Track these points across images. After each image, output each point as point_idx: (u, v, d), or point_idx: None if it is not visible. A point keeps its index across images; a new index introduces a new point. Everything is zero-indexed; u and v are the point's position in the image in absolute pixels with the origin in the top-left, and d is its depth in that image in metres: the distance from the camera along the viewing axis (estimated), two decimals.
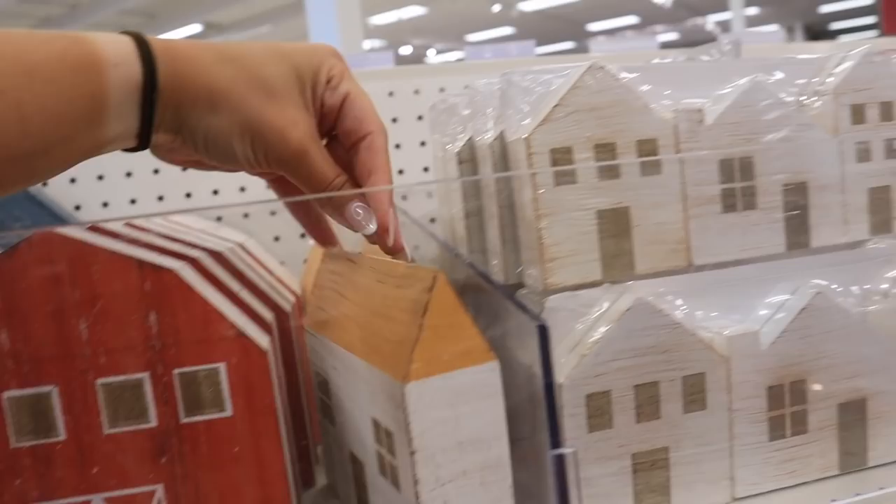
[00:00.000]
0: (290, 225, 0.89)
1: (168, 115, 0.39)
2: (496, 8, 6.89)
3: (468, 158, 0.56)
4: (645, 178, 0.50)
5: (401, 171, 0.92)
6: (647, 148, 0.50)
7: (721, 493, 0.49)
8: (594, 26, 9.82)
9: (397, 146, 0.93)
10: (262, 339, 0.45)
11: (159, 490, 0.44)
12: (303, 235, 0.89)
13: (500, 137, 0.52)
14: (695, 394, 0.47)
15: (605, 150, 0.49)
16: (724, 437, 0.48)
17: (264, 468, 0.45)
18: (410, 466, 0.40)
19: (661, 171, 0.50)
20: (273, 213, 0.89)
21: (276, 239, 0.90)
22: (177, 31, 6.02)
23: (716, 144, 0.51)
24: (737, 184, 0.51)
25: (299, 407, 0.59)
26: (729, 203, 0.51)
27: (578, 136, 0.49)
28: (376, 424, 0.44)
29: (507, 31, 9.06)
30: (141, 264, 0.42)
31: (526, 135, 0.48)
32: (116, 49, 0.37)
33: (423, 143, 0.95)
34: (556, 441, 0.40)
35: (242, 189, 0.92)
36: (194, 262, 0.48)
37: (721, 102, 0.51)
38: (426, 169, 0.92)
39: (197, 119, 0.39)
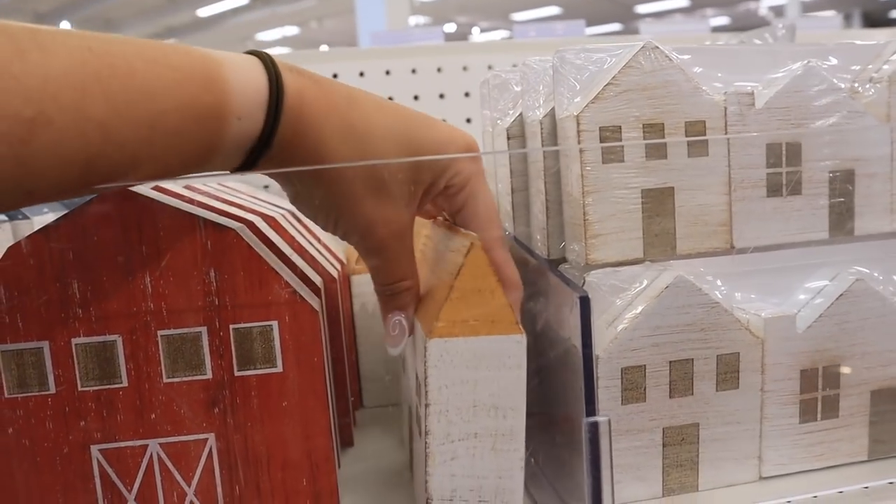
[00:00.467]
0: None
1: (271, 164, 0.39)
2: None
3: (518, 134, 0.57)
4: (691, 159, 0.50)
5: None
6: (695, 129, 0.50)
7: (748, 471, 0.50)
8: (642, 8, 9.63)
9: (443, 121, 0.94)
10: (313, 301, 0.47)
11: (211, 439, 0.46)
12: None
13: (551, 114, 0.53)
14: (728, 373, 0.48)
15: (653, 130, 0.50)
16: (754, 417, 0.49)
17: (310, 423, 0.47)
18: (423, 418, 0.42)
19: (707, 153, 0.51)
20: None
21: None
22: (225, 2, 6.05)
23: (764, 128, 0.51)
24: (783, 168, 0.52)
25: (342, 370, 0.62)
26: (774, 187, 0.51)
27: (628, 115, 0.50)
28: (416, 378, 0.46)
29: (553, 10, 8.93)
30: (204, 223, 0.45)
31: (576, 112, 0.49)
32: (244, 98, 0.36)
33: (468, 120, 0.96)
34: (591, 409, 0.42)
35: None
36: (251, 225, 0.50)
37: (772, 87, 0.52)
38: None
39: (296, 177, 0.39)
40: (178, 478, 0.46)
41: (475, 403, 0.42)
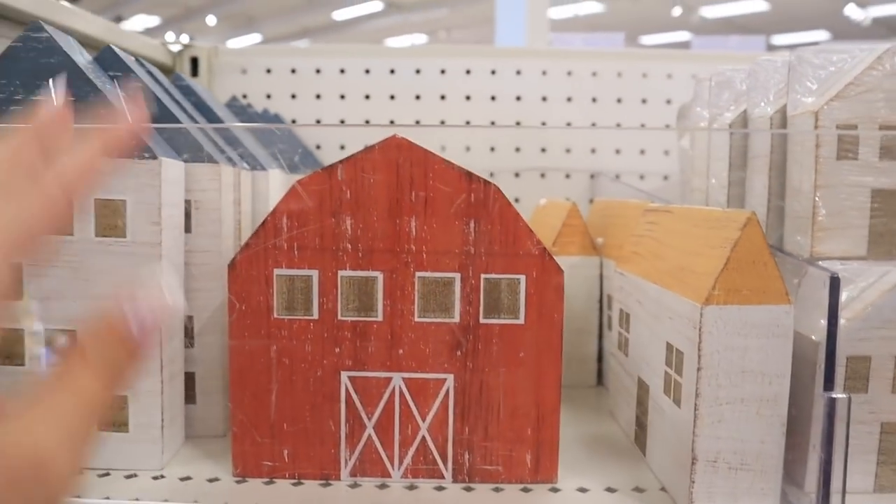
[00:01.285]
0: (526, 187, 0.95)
1: None
2: (676, 11, 6.71)
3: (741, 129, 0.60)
4: None
5: (642, 151, 0.97)
6: None
7: None
8: (779, 39, 9.31)
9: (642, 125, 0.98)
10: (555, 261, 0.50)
11: (449, 380, 0.50)
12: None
13: (781, 111, 0.55)
14: None
15: (890, 131, 0.51)
16: None
17: (542, 376, 0.50)
18: (695, 382, 0.44)
19: None
20: (517, 175, 0.96)
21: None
22: (360, 7, 6.27)
23: None
24: None
25: None
26: None
27: (865, 115, 0.51)
28: (669, 347, 0.49)
29: (684, 35, 8.77)
30: (469, 176, 0.48)
31: (815, 108, 0.51)
32: None
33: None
34: (829, 385, 0.44)
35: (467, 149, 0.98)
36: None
37: None
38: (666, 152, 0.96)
39: None
40: (415, 412, 0.50)
41: (744, 369, 0.44)
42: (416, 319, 0.49)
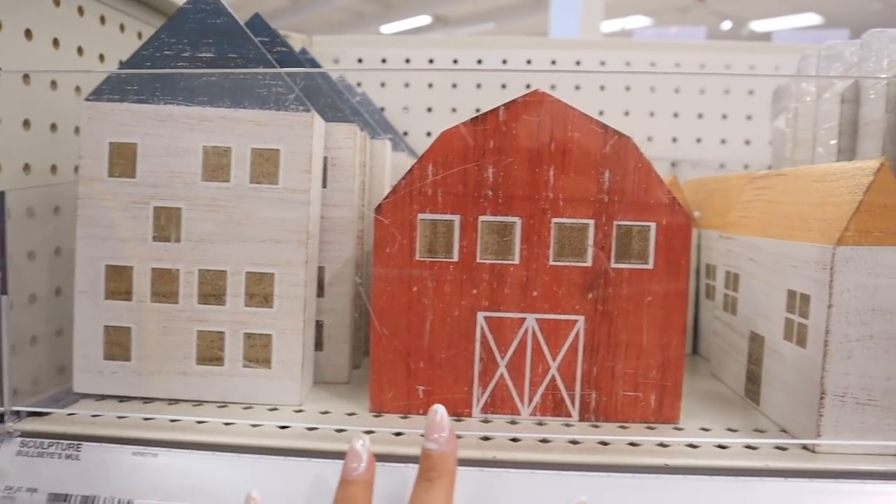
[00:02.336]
0: None
1: None
2: (726, 25, 6.70)
3: (852, 98, 0.62)
4: None
5: (723, 141, 0.99)
6: None
7: None
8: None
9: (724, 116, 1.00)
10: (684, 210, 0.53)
11: (580, 321, 0.53)
12: None
13: (894, 80, 0.58)
14: None
15: None
16: None
17: (669, 320, 0.52)
18: (825, 319, 0.47)
19: None
20: None
21: None
22: (408, 21, 6.40)
23: None
24: None
25: None
26: None
27: None
28: (791, 294, 0.51)
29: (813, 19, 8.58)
30: (605, 128, 0.51)
31: None
32: None
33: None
34: None
35: None
36: None
37: None
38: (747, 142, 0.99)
39: None
40: (546, 352, 0.53)
41: (873, 307, 0.46)
42: (551, 263, 0.52)
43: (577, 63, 1.00)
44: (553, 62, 1.00)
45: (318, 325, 0.61)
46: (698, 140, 0.99)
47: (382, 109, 1.03)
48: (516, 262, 0.52)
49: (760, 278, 0.57)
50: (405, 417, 0.54)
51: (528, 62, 1.00)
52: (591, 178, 0.52)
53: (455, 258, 0.53)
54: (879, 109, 0.58)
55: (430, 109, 1.05)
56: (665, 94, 0.99)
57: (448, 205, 0.52)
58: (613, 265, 0.52)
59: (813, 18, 6.16)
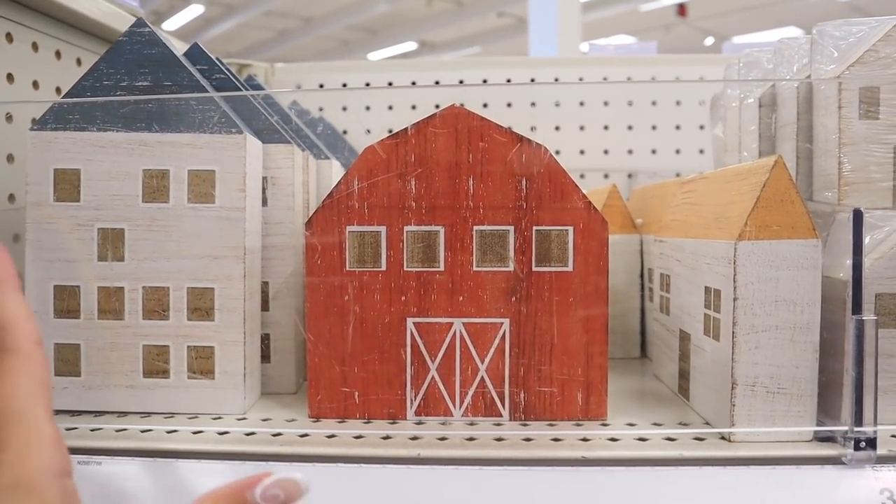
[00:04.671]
0: None
1: None
2: (709, 41, 6.78)
3: (769, 103, 0.64)
4: None
5: (677, 151, 1.02)
6: None
7: None
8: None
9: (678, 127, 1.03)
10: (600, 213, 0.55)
11: (506, 324, 0.55)
12: None
13: (807, 81, 0.60)
14: None
15: None
16: None
17: (590, 319, 0.55)
18: (732, 312, 0.49)
19: None
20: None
21: None
22: (393, 48, 6.52)
23: None
24: None
25: None
26: None
27: (885, 78, 0.56)
28: (707, 290, 0.53)
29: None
30: (521, 139, 0.54)
31: (838, 74, 0.56)
32: None
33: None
34: (857, 309, 0.48)
35: None
36: None
37: None
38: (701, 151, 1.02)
39: None
40: (475, 354, 0.55)
41: (776, 299, 0.48)
42: (475, 269, 0.55)
43: (532, 80, 1.03)
44: (508, 80, 1.03)
45: (265, 338, 0.64)
46: (653, 151, 1.02)
47: (345, 132, 1.07)
48: (441, 269, 0.55)
49: (685, 278, 0.60)
50: (342, 422, 0.56)
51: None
52: (508, 187, 0.54)
53: (383, 267, 0.55)
54: (792, 112, 0.61)
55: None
56: (619, 107, 1.02)
57: (374, 216, 0.55)
58: (535, 269, 0.54)
59: (794, 32, 6.24)
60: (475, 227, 0.55)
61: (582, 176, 1.02)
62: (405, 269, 0.55)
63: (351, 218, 0.55)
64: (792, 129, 0.61)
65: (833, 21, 0.60)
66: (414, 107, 1.07)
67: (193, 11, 5.70)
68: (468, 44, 6.40)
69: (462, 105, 0.55)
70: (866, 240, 0.55)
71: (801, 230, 0.48)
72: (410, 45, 6.60)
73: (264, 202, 0.63)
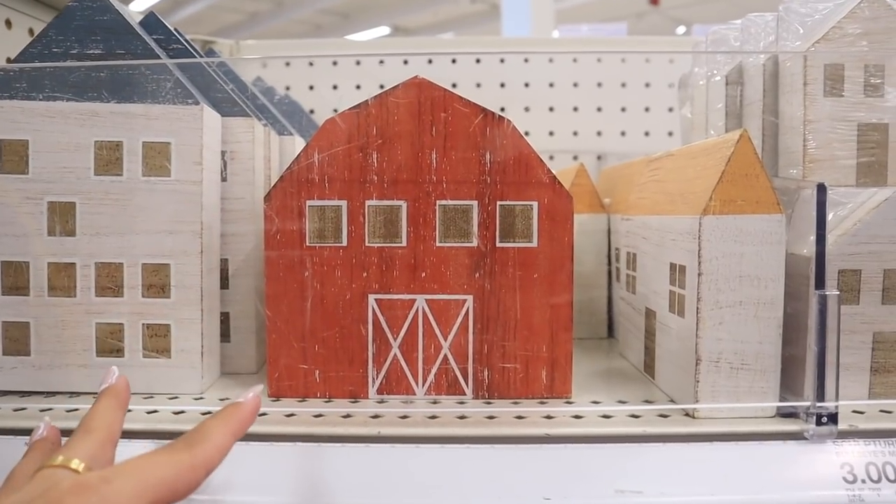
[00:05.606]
0: None
1: None
2: (680, 30, 6.79)
3: (736, 80, 0.64)
4: None
5: (646, 133, 1.01)
6: None
7: None
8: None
9: (647, 109, 1.02)
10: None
11: (469, 300, 0.54)
12: None
13: (773, 58, 0.60)
14: None
15: (873, 70, 0.56)
16: None
17: (555, 295, 0.54)
18: (696, 287, 0.48)
19: None
20: None
21: None
22: (367, 32, 6.47)
23: None
24: None
25: None
26: None
27: (850, 56, 0.56)
28: (672, 267, 0.53)
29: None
30: (485, 112, 0.53)
31: (804, 50, 0.56)
32: None
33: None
34: (820, 284, 0.47)
35: None
36: None
37: None
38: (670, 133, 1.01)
39: None
40: (437, 331, 0.54)
41: (741, 274, 0.48)
42: (438, 244, 0.54)
43: (502, 61, 1.02)
44: (478, 61, 1.02)
45: (225, 317, 0.62)
46: (622, 133, 1.02)
47: (311, 111, 1.05)
48: (404, 244, 0.54)
49: (651, 255, 0.59)
50: (302, 401, 0.54)
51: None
52: (472, 161, 0.53)
53: (344, 243, 0.54)
54: (758, 89, 0.60)
55: None
56: (588, 89, 1.01)
57: (335, 191, 0.53)
58: (499, 244, 0.54)
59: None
60: (438, 202, 0.53)
61: (551, 157, 1.01)
62: (367, 244, 0.54)
63: (311, 192, 0.53)
64: (758, 106, 0.60)
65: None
66: (382, 86, 1.06)
67: None
68: (442, 29, 6.36)
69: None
70: (830, 216, 0.55)
71: (766, 205, 0.48)
72: (384, 30, 6.56)
73: (224, 177, 0.61)
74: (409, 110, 0.53)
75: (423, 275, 0.54)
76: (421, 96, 0.53)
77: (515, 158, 0.53)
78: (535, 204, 0.53)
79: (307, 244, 0.54)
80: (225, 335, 0.62)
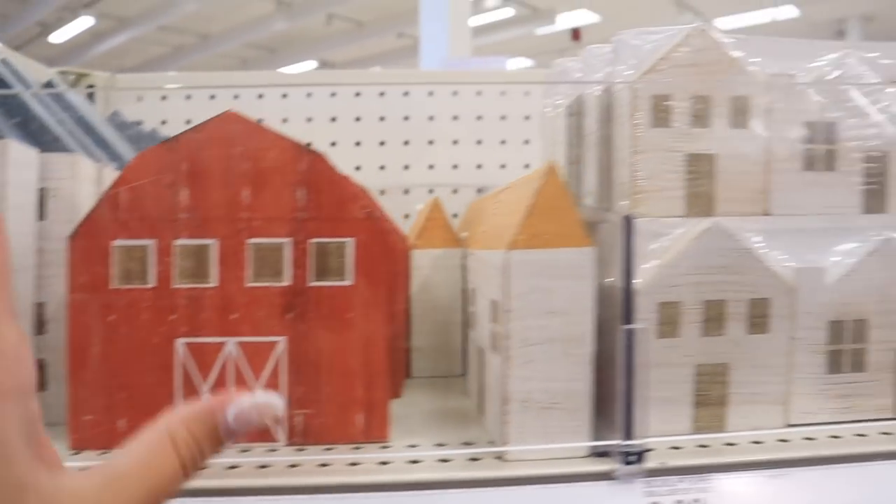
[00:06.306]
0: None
1: None
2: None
3: (577, 111, 0.64)
4: (733, 130, 0.55)
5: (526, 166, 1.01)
6: (739, 104, 0.56)
7: (776, 416, 0.53)
8: None
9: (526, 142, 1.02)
10: (384, 224, 0.52)
11: (282, 342, 0.52)
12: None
13: (608, 89, 0.59)
14: (759, 317, 0.52)
15: (700, 101, 0.56)
16: (782, 363, 0.52)
17: (371, 336, 0.52)
18: (505, 323, 0.47)
19: (747, 126, 0.56)
20: (406, 192, 0.99)
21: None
22: (294, 66, 6.47)
23: (803, 108, 0.56)
24: (819, 146, 0.56)
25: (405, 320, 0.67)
26: (810, 162, 0.56)
27: (678, 87, 0.56)
28: (492, 304, 0.51)
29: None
30: (298, 147, 0.51)
31: (631, 82, 0.55)
32: None
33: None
34: (628, 318, 0.46)
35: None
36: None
37: (813, 72, 0.57)
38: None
39: None
40: (249, 374, 0.52)
41: (550, 310, 0.46)
42: (249, 284, 0.51)
43: (381, 95, 1.01)
44: (357, 94, 1.00)
45: (41, 364, 0.58)
46: (502, 166, 1.01)
47: None
48: (214, 285, 0.51)
49: (482, 291, 0.58)
50: (105, 453, 0.51)
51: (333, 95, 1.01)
52: (285, 197, 0.51)
53: (151, 284, 0.51)
54: (594, 121, 0.60)
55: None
56: (468, 122, 1.01)
57: (143, 230, 0.51)
58: (312, 283, 0.52)
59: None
60: (250, 240, 0.51)
61: (431, 191, 1.00)
62: (174, 285, 0.51)
63: (117, 231, 0.51)
64: (594, 137, 0.60)
65: (634, 29, 0.59)
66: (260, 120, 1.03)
67: (83, 24, 5.47)
68: (368, 63, 6.40)
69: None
70: (654, 246, 0.54)
71: (574, 238, 0.47)
72: (311, 64, 6.57)
73: (43, 216, 0.58)
74: (220, 146, 0.51)
75: (234, 317, 0.51)
76: (232, 130, 0.51)
77: (330, 194, 0.51)
78: (350, 241, 0.52)
79: (112, 286, 0.51)
80: (41, 383, 0.58)
